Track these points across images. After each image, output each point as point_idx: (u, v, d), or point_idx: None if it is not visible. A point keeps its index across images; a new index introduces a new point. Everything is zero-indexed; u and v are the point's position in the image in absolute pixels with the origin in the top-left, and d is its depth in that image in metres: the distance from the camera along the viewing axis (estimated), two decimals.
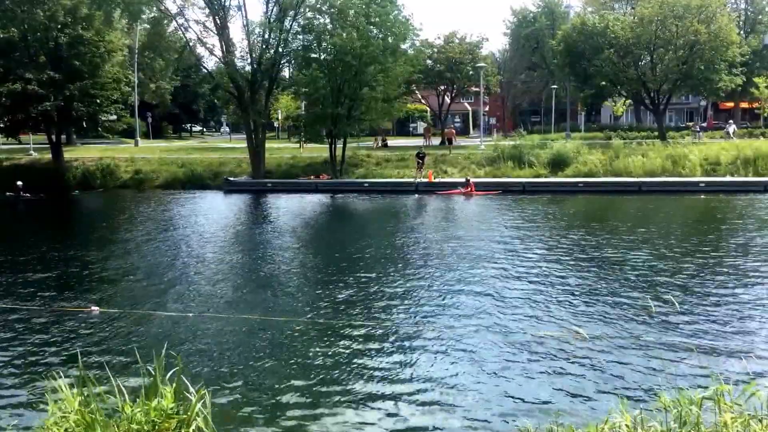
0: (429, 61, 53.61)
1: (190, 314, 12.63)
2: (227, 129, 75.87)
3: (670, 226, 22.81)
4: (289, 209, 31.21)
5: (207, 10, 38.98)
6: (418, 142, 53.63)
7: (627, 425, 4.74)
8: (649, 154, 37.24)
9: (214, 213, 29.95)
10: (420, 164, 37.30)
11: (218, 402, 8.06)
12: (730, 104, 64.45)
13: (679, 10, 41.37)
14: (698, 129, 51.11)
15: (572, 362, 9.69)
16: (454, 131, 52.82)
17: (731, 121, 54.20)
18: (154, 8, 39.67)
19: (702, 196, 30.92)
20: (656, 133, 46.85)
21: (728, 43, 42.27)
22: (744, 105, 65.24)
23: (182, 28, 40.88)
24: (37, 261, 18.25)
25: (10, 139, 48.03)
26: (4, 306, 13.35)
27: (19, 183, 34.44)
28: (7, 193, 34.20)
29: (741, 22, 55.78)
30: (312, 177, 38.85)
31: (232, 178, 39.05)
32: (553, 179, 36.20)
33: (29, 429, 7.45)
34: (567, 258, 17.28)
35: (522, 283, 14.63)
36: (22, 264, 17.83)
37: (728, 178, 34.17)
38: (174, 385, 5.00)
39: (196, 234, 23.56)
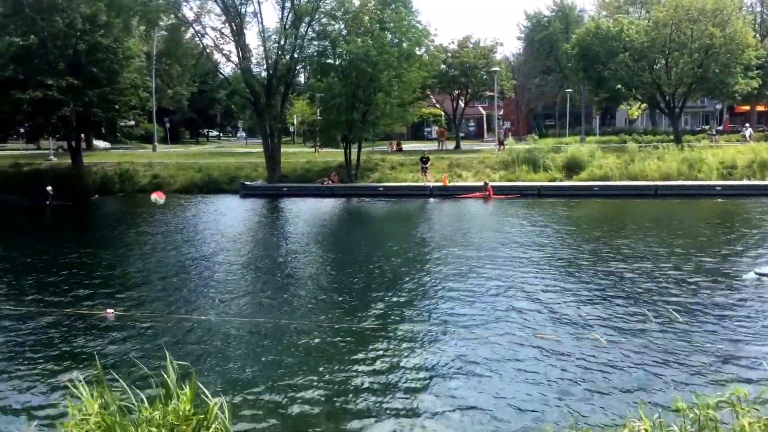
0: (443, 66, 53.67)
1: (206, 318, 12.83)
2: (243, 134, 76.27)
3: (685, 231, 22.77)
4: (305, 213, 31.41)
5: (223, 17, 39.40)
6: (433, 146, 53.74)
7: (646, 429, 4.82)
8: (664, 158, 37.12)
9: (230, 217, 30.20)
10: (424, 168, 37.44)
11: (235, 405, 8.18)
12: (746, 107, 63.96)
13: (693, 14, 41.17)
14: (714, 132, 50.83)
15: (591, 366, 9.77)
16: (501, 131, 52.89)
17: (747, 124, 53.85)
18: (172, 15, 40.10)
19: (718, 200, 30.79)
20: (672, 137, 46.65)
21: (744, 46, 42.03)
22: (760, 108, 64.74)
23: (199, 34, 41.40)
24: (56, 265, 18.51)
25: (29, 143, 48.84)
26: (22, 310, 13.62)
27: (49, 188, 34.70)
28: (40, 200, 34.48)
29: (757, 25, 55.39)
30: (325, 181, 38.81)
31: (248, 183, 39.32)
32: (568, 183, 36.19)
33: (50, 430, 7.64)
34: (585, 262, 17.34)
35: (540, 287, 14.71)
36: (41, 268, 18.13)
37: (745, 182, 34.02)
38: (190, 388, 5.12)
39: (213, 238, 23.79)
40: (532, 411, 8.43)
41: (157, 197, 15.10)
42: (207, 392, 5.19)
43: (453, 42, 57.36)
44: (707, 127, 60.37)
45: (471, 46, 56.43)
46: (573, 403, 8.59)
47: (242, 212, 32.38)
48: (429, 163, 37.94)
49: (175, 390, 5.17)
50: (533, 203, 31.67)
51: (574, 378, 9.40)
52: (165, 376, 5.32)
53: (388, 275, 16.66)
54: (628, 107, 66.72)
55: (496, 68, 52.74)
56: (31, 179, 39.89)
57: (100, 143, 55.20)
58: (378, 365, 10.17)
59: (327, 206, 33.42)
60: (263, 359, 10.64)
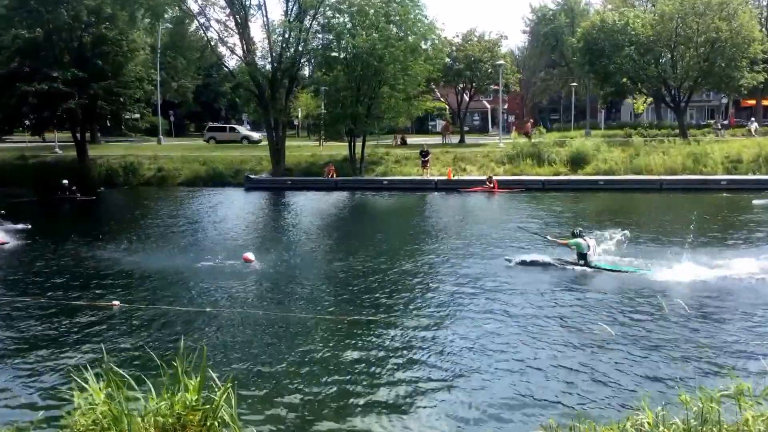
0: (448, 60, 53.46)
1: (211, 309, 12.88)
2: (248, 127, 76.18)
3: (689, 225, 22.70)
4: (309, 206, 31.47)
5: (228, 10, 39.42)
6: (438, 140, 53.69)
7: (649, 422, 4.84)
8: (670, 152, 37.04)
9: (235, 210, 30.27)
10: (424, 162, 37.40)
11: (241, 395, 8.23)
12: (752, 101, 63.60)
13: (699, 7, 41.00)
14: (720, 126, 50.66)
15: (594, 360, 9.82)
16: (529, 124, 52.06)
17: (753, 118, 53.65)
18: (177, 8, 40.08)
19: (724, 195, 30.72)
20: (677, 131, 46.51)
21: (750, 40, 41.85)
22: (766, 102, 64.36)
23: (204, 27, 41.44)
24: (63, 257, 18.70)
25: (34, 136, 48.93)
26: (29, 301, 13.74)
27: (65, 181, 34.57)
28: (59, 193, 34.34)
29: (763, 19, 55.01)
30: (328, 174, 38.64)
31: (252, 176, 39.35)
32: (573, 177, 36.15)
33: (56, 420, 7.70)
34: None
35: (541, 283, 14.75)
36: (49, 260, 18.28)
37: (750, 176, 33.93)
38: (197, 378, 5.16)
39: (218, 230, 23.89)
40: (534, 404, 8.48)
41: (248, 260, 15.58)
42: (212, 382, 5.22)
43: (457, 35, 57.22)
44: (712, 121, 60.17)
45: (476, 39, 56.19)
46: (576, 396, 8.63)
47: (247, 205, 32.45)
48: (429, 157, 37.89)
49: (182, 380, 5.19)
50: (537, 197, 31.66)
51: (577, 371, 9.44)
52: (171, 365, 5.35)
53: (396, 270, 16.68)
54: (634, 101, 66.49)
55: (501, 62, 52.49)
56: (38, 172, 40.01)
57: (242, 129, 53.26)
58: (384, 357, 10.23)
59: (331, 199, 33.46)
60: (270, 350, 10.72)
